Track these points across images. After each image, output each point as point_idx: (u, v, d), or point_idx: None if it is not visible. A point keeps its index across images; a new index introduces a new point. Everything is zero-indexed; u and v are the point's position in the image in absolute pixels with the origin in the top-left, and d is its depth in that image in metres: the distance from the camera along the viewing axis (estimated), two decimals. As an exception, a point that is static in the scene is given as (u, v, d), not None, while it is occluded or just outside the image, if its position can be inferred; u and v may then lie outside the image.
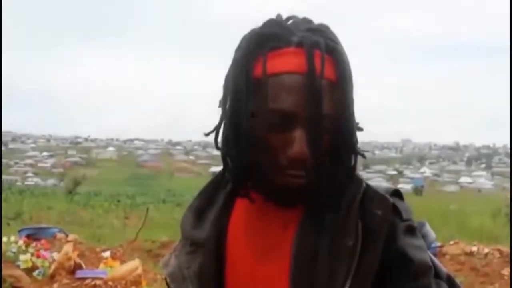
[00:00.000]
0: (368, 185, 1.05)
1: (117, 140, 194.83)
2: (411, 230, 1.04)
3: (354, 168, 1.04)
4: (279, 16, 1.05)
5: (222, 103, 1.05)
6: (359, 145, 1.05)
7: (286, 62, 0.99)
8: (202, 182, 1.21)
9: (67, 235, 13.49)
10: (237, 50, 1.04)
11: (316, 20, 1.06)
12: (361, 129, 1.06)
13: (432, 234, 1.17)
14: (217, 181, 1.16)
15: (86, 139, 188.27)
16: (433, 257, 1.10)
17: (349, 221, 1.01)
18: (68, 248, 8.62)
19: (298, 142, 0.98)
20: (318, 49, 0.99)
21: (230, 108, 1.03)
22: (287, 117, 0.98)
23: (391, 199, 1.03)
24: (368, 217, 1.01)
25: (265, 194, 1.06)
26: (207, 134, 1.08)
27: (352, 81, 1.02)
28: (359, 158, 1.06)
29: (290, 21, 1.04)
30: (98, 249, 10.42)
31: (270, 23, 1.03)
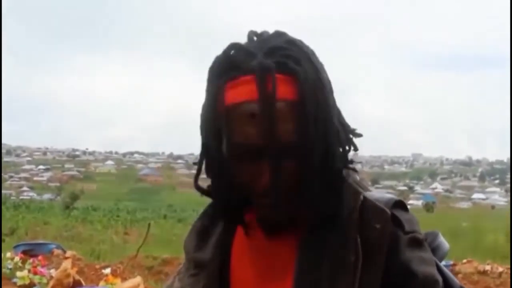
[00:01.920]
0: (365, 198, 1.04)
1: (116, 153, 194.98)
2: (416, 243, 1.04)
3: (340, 187, 1.05)
4: (250, 34, 1.05)
5: (200, 133, 1.08)
6: (350, 158, 1.06)
7: (244, 91, 0.98)
8: (204, 198, 1.22)
9: (65, 251, 13.54)
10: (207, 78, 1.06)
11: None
12: (355, 148, 1.07)
13: (445, 245, 1.16)
14: None
15: (84, 152, 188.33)
16: (445, 270, 1.10)
17: (349, 236, 1.01)
18: (67, 264, 8.65)
19: (263, 173, 0.99)
20: (270, 73, 0.97)
21: (203, 142, 1.06)
22: (250, 148, 0.98)
23: (390, 211, 1.02)
24: (367, 231, 1.01)
25: (255, 224, 1.08)
26: (195, 163, 1.11)
27: (326, 97, 1.01)
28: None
29: (256, 40, 1.04)
30: (97, 266, 10.46)
31: (230, 49, 1.04)
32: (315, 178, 1.00)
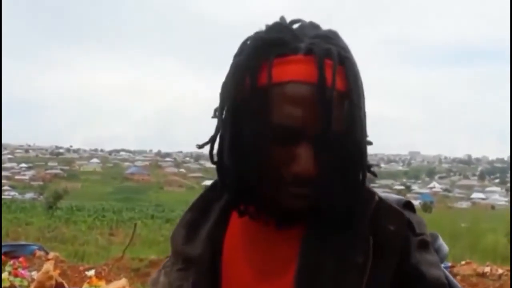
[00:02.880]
0: (381, 199, 1.06)
1: (101, 150, 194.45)
2: (425, 245, 1.05)
3: (362, 186, 1.03)
4: (283, 19, 1.04)
5: (219, 113, 1.03)
6: (368, 161, 1.05)
7: (293, 71, 0.96)
8: (193, 197, 1.21)
9: (47, 253, 13.49)
10: (237, 56, 1.02)
11: (322, 24, 1.05)
12: (370, 143, 1.05)
13: (445, 248, 1.18)
14: (211, 193, 1.16)
15: (68, 150, 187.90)
16: (448, 274, 1.11)
17: (359, 236, 1.01)
18: (49, 266, 8.62)
19: (303, 158, 0.96)
20: (330, 58, 0.96)
21: (230, 119, 1.01)
22: (293, 131, 0.96)
23: (406, 214, 1.04)
24: (381, 232, 1.01)
25: (265, 212, 1.05)
26: (201, 146, 1.07)
27: (364, 94, 1.01)
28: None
29: (296, 26, 1.03)
30: (81, 268, 10.43)
31: (275, 28, 1.01)
32: (354, 171, 1.00)
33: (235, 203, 1.07)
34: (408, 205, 1.10)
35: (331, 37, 1.00)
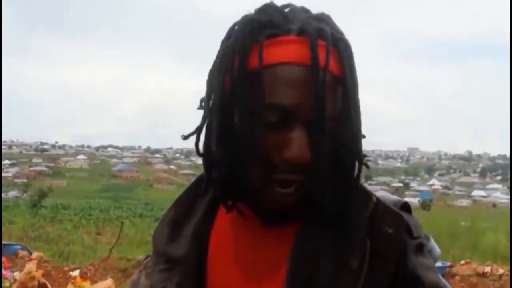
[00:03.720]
0: (378, 200, 1.04)
1: (88, 147, 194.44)
2: (421, 249, 1.04)
3: (358, 179, 1.01)
4: (272, 3, 1.01)
5: (206, 102, 1.00)
6: (363, 153, 1.02)
7: (285, 51, 0.95)
8: None
9: (31, 253, 13.46)
10: (226, 40, 1.00)
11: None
12: (363, 137, 1.03)
13: (437, 250, 1.15)
14: (196, 188, 1.14)
15: (53, 146, 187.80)
16: (441, 278, 1.10)
17: (355, 239, 0.99)
18: (31, 266, 8.57)
19: (297, 143, 0.93)
20: (323, 39, 0.95)
21: (218, 106, 0.97)
22: (286, 113, 0.93)
23: (405, 216, 1.03)
24: (378, 235, 1.00)
25: (252, 209, 1.04)
26: (186, 137, 1.03)
27: (357, 79, 0.99)
28: (363, 168, 1.03)
29: (287, 9, 1.01)
30: (66, 268, 10.41)
31: (265, 10, 0.99)
32: (349, 160, 0.98)
33: (222, 198, 1.04)
34: (405, 207, 1.08)
35: (324, 19, 0.99)
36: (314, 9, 1.02)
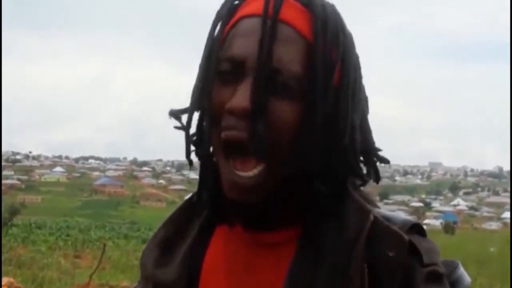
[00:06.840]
0: (376, 218, 1.03)
1: (66, 158, 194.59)
2: (435, 278, 1.02)
3: (352, 146, 1.03)
4: None
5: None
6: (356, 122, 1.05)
7: (252, 7, 1.04)
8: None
9: None
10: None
11: None
12: (378, 149, 1.07)
13: (466, 279, 1.13)
14: (189, 206, 1.16)
15: (26, 156, 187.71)
16: None
17: (352, 264, 0.99)
18: (1, 293, 8.59)
19: (239, 92, 0.98)
20: None
21: (201, 70, 1.05)
22: (236, 64, 1.00)
23: (407, 237, 1.01)
24: (377, 259, 1.00)
25: (228, 209, 1.07)
26: (174, 114, 1.09)
27: (354, 64, 1.05)
28: (374, 185, 1.06)
29: None
30: (40, 296, 10.39)
31: None
32: (316, 142, 1.00)
33: (211, 198, 1.08)
34: (416, 228, 1.06)
35: None
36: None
